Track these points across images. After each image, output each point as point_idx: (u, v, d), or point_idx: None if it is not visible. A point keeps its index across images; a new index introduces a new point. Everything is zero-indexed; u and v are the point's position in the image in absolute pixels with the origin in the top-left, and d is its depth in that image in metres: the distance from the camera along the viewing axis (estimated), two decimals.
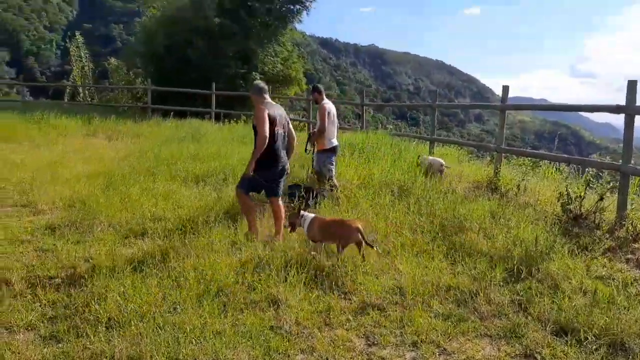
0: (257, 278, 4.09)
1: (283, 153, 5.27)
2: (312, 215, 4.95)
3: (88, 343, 3.10)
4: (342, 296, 3.99)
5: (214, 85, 15.99)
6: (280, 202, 5.42)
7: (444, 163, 7.76)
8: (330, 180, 6.55)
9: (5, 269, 4.22)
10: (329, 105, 6.82)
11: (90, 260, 4.54)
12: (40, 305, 3.63)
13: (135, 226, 5.58)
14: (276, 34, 19.49)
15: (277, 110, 5.23)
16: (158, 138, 11.95)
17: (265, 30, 19.14)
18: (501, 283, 4.13)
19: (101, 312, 3.45)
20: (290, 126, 5.43)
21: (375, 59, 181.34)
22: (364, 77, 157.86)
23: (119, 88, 21.12)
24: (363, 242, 4.54)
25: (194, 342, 3.14)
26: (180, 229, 5.37)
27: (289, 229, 4.96)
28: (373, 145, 8.52)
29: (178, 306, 3.62)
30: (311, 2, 19.51)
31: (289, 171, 5.49)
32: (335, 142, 6.78)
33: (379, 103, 48.42)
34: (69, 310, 3.54)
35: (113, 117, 14.89)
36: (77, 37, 24.01)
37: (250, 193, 5.38)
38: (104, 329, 3.29)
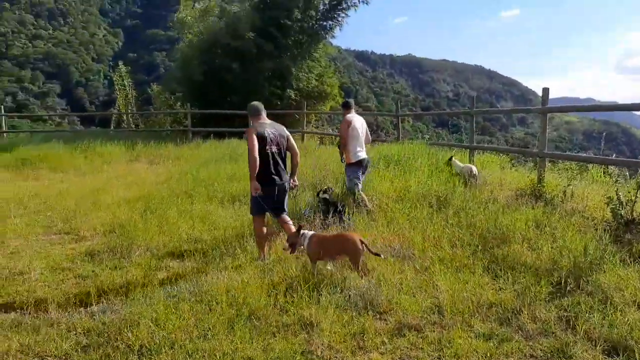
0: (290, 300, 4.00)
1: (280, 170, 5.22)
2: (311, 232, 4.82)
3: None
4: (378, 317, 3.83)
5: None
6: (287, 218, 5.37)
7: (474, 169, 7.50)
8: (357, 194, 6.41)
9: (44, 298, 4.32)
10: (352, 118, 6.72)
11: (126, 286, 4.59)
12: (75, 334, 3.65)
13: (172, 249, 5.64)
14: (310, 51, 19.62)
15: (270, 129, 5.19)
16: (197, 160, 12.17)
17: (299, 48, 19.29)
18: (547, 298, 3.87)
19: (133, 339, 3.44)
20: (292, 142, 5.37)
21: (413, 68, 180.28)
22: (401, 87, 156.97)
23: (160, 113, 21.80)
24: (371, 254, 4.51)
25: None
26: (215, 250, 5.37)
27: (288, 251, 4.73)
28: (409, 156, 8.33)
29: (209, 332, 3.56)
30: (344, 17, 19.62)
31: (290, 187, 5.40)
32: (361, 155, 6.64)
33: (415, 112, 48.07)
34: (102, 338, 3.54)
35: (153, 142, 15.27)
36: (120, 66, 24.98)
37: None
38: (135, 357, 3.27)
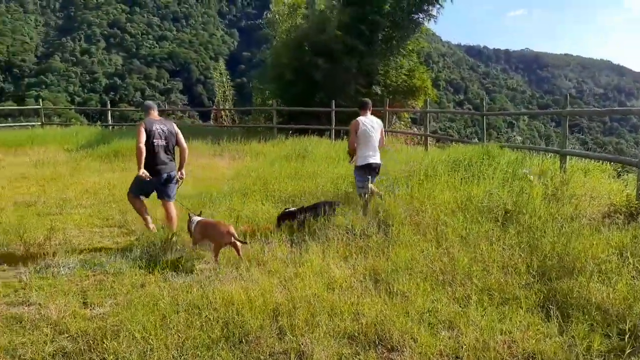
0: (290, 323, 3.54)
1: (167, 160, 5.94)
2: (198, 218, 5.52)
3: None
4: (385, 353, 3.23)
5: (333, 102, 15.93)
6: (171, 205, 6.06)
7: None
8: (361, 198, 6.30)
9: (67, 291, 4.30)
10: (364, 121, 6.59)
11: (144, 287, 4.43)
12: (66, 336, 3.51)
13: (204, 251, 5.43)
14: (400, 46, 18.76)
15: (158, 125, 5.90)
16: (273, 157, 12.06)
17: (389, 43, 18.54)
18: (604, 354, 2.98)
19: (108, 353, 3.20)
20: (180, 138, 6.04)
21: (530, 64, 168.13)
22: (516, 83, 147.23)
23: (252, 110, 22.33)
24: (237, 243, 5.06)
25: None
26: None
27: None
28: (480, 161, 7.37)
29: (191, 351, 3.23)
30: (439, 8, 18.46)
31: (177, 178, 6.10)
32: (370, 159, 6.48)
33: (503, 112, 45.26)
34: (85, 346, 3.35)
35: (240, 137, 15.54)
36: (219, 63, 26.02)
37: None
38: None
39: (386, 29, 18.42)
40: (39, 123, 21.21)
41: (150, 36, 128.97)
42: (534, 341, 3.16)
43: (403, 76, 18.41)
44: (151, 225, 6.07)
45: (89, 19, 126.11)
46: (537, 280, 4.04)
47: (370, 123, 6.64)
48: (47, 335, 3.52)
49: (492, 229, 5.17)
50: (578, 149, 18.64)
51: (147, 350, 3.23)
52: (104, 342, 3.33)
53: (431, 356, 3.10)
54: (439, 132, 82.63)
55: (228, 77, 25.29)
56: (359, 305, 3.76)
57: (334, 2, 18.89)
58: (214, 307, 3.82)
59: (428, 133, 13.58)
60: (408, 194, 6.33)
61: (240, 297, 3.91)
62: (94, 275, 4.84)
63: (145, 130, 5.73)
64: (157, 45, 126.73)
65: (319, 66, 17.38)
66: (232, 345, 3.31)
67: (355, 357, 3.17)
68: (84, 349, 3.31)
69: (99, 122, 23.59)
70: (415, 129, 19.50)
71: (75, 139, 15.87)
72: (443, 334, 3.35)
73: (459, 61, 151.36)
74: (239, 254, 5.09)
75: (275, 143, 15.18)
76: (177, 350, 3.25)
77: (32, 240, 5.71)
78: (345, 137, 15.33)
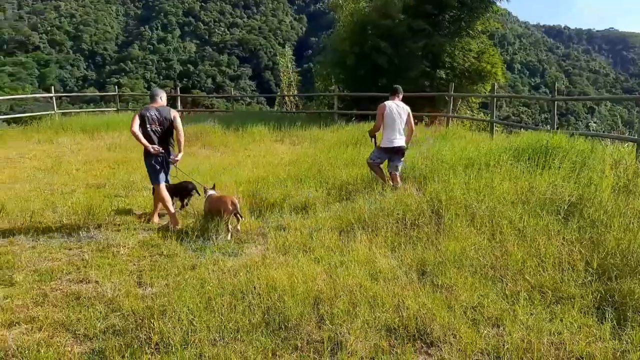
0: (330, 311, 3.53)
1: (161, 145, 6.12)
2: (211, 192, 6.18)
3: None
4: (424, 348, 3.14)
5: None
6: (162, 187, 6.21)
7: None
8: (371, 165, 6.97)
9: (126, 269, 4.55)
10: (389, 105, 6.89)
11: (194, 269, 4.59)
12: (118, 314, 3.70)
13: (254, 235, 5.54)
14: (469, 27, 17.95)
15: (153, 111, 6.12)
16: (331, 143, 12.04)
17: (457, 24, 17.79)
18: None
19: (154, 332, 3.34)
20: (177, 123, 6.18)
21: (615, 45, 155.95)
22: (599, 65, 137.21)
23: (314, 96, 22.38)
24: (238, 215, 5.65)
25: None
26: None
27: None
28: (544, 150, 6.92)
29: (233, 334, 3.30)
30: None
31: (173, 160, 6.31)
32: (394, 142, 6.81)
33: (574, 97, 42.28)
34: (134, 324, 3.52)
35: (301, 123, 15.64)
36: (286, 49, 26.26)
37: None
38: (149, 351, 3.16)
39: (454, 9, 17.69)
40: (115, 109, 22.46)
41: (222, 23, 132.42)
42: (584, 344, 2.94)
43: (471, 59, 17.62)
44: (156, 219, 6.35)
45: (166, 8, 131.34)
46: (596, 279, 3.76)
47: (397, 108, 6.91)
48: (100, 312, 3.73)
49: (553, 223, 4.86)
50: None
51: (190, 332, 3.34)
52: (151, 322, 3.48)
53: (471, 354, 2.98)
54: (512, 117, 78.93)
55: (293, 63, 25.48)
56: (401, 297, 3.68)
57: None
58: (257, 292, 3.88)
59: (494, 119, 12.96)
60: (465, 183, 6.09)
61: (284, 283, 3.94)
62: (150, 256, 5.07)
63: (140, 117, 6.07)
64: (228, 32, 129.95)
65: (382, 50, 17.03)
66: (271, 331, 3.35)
67: (393, 349, 3.11)
68: (132, 327, 3.47)
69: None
70: (484, 115, 18.73)
71: None
72: (486, 331, 3.21)
73: (536, 42, 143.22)
74: (237, 224, 5.75)
75: (335, 129, 15.13)
76: (219, 333, 3.33)
77: (98, 221, 6.08)
78: None
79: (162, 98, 6.40)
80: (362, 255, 4.57)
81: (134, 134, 5.97)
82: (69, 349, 3.21)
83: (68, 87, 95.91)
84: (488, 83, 17.78)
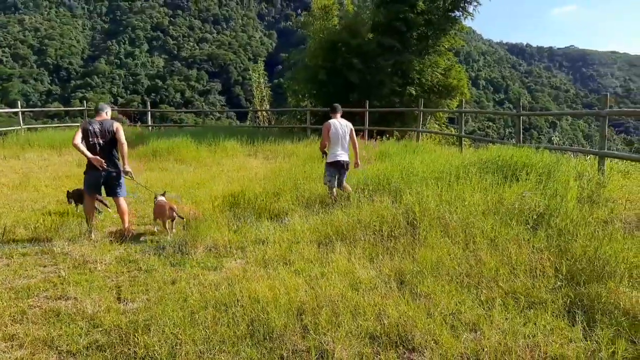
0: (313, 321, 3.60)
1: (109, 158, 6.34)
2: (161, 198, 6.62)
3: None
4: (406, 354, 3.25)
5: (367, 103, 15.91)
6: (120, 200, 6.48)
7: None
8: (329, 189, 7.33)
9: (104, 286, 4.50)
10: (332, 122, 7.41)
11: (174, 284, 4.58)
12: (100, 330, 3.68)
13: (233, 249, 5.56)
14: (436, 44, 18.55)
15: (95, 125, 6.32)
16: (304, 157, 12.16)
17: (424, 42, 18.37)
18: (629, 359, 2.90)
19: (139, 346, 3.34)
20: (119, 135, 6.33)
21: (575, 62, 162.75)
22: (560, 82, 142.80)
23: (286, 111, 22.57)
24: (176, 217, 6.34)
25: None
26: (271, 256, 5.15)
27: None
28: (512, 162, 7.22)
29: (217, 346, 3.33)
30: (476, 6, 18.11)
31: (123, 173, 6.49)
32: (338, 157, 7.31)
33: (538, 112, 44.25)
34: (118, 340, 3.51)
35: (273, 138, 15.73)
36: (258, 64, 26.40)
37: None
38: None
39: (421, 27, 18.25)
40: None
41: (191, 38, 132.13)
42: (557, 345, 3.11)
43: (439, 75, 18.17)
44: (93, 235, 6.26)
45: (134, 23, 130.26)
46: (565, 285, 3.96)
47: (340, 125, 7.44)
48: (82, 328, 3.70)
49: (522, 232, 5.08)
50: (621, 150, 17.97)
51: (175, 345, 3.36)
52: (135, 336, 3.48)
53: (452, 358, 3.10)
54: (478, 132, 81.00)
55: (265, 78, 25.61)
56: (382, 305, 3.79)
57: (367, 2, 18.85)
58: (240, 305, 3.92)
59: (463, 134, 13.37)
60: (437, 195, 6.28)
61: (266, 295, 4.00)
62: (128, 271, 5.03)
63: (83, 130, 6.30)
64: (197, 47, 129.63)
65: (354, 67, 17.39)
66: (256, 342, 3.40)
67: (377, 356, 3.20)
68: (116, 342, 3.46)
69: (139, 123, 24.29)
70: (453, 129, 19.24)
71: None
72: (465, 336, 3.34)
73: (500, 59, 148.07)
74: (171, 226, 6.40)
75: (308, 143, 15.31)
76: (205, 344, 3.36)
77: (71, 238, 6.00)
78: (378, 137, 15.30)
79: (107, 113, 6.63)
80: (342, 266, 4.67)
81: (75, 146, 6.18)
82: None
83: (31, 102, 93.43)
84: (455, 99, 18.35)
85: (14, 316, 3.95)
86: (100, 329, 3.68)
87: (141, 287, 4.51)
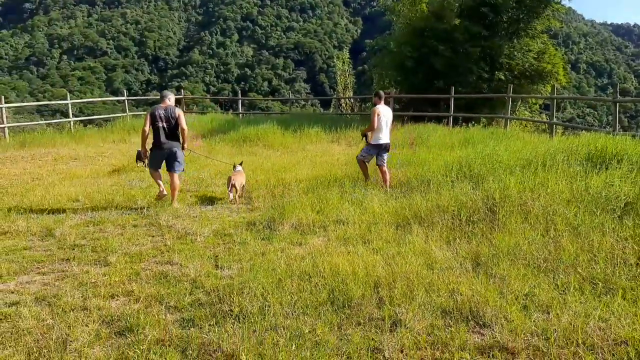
0: (389, 294, 3.88)
1: (167, 139, 7.26)
2: (239, 167, 8.02)
3: (211, 332, 3.47)
4: (477, 328, 3.43)
5: (452, 89, 15.64)
6: (175, 176, 7.39)
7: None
8: (360, 162, 8.26)
9: (203, 255, 5.09)
10: (381, 109, 8.08)
11: (264, 255, 5.05)
12: (201, 291, 4.21)
13: (316, 227, 5.95)
14: (528, 27, 17.67)
15: (161, 110, 7.26)
16: None
17: (515, 25, 17.59)
18: None
19: (234, 305, 3.82)
20: (181, 121, 7.29)
21: None
22: None
23: (369, 98, 22.70)
24: (237, 188, 7.48)
25: (292, 347, 3.18)
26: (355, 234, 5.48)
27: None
28: (602, 150, 6.93)
29: (301, 310, 3.72)
30: None
31: (176, 152, 7.36)
32: (382, 141, 8.07)
33: (635, 99, 39.93)
34: (216, 299, 4.01)
35: (355, 125, 16.02)
36: (343, 52, 26.71)
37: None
38: (231, 321, 3.62)
39: (511, 10, 17.49)
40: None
41: (278, 28, 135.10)
42: (630, 329, 3.14)
43: (531, 59, 17.36)
44: (162, 187, 7.40)
45: (225, 14, 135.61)
46: None
47: (385, 111, 8.15)
48: (186, 289, 4.25)
49: (608, 221, 4.97)
50: None
51: (265, 306, 3.79)
52: (231, 297, 3.96)
53: (521, 334, 3.23)
54: (577, 119, 75.63)
55: (350, 65, 25.87)
56: (456, 284, 3.97)
57: None
58: (322, 276, 4.29)
59: (554, 121, 12.80)
60: (520, 182, 6.24)
61: (346, 268, 4.33)
62: (224, 243, 5.60)
63: (151, 115, 7.24)
64: (284, 36, 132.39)
65: (440, 54, 17.13)
66: (336, 309, 3.74)
67: (447, 328, 3.42)
68: (215, 301, 3.97)
69: (230, 110, 25.61)
70: (545, 117, 18.37)
71: (210, 126, 17.57)
72: (536, 315, 3.45)
73: (603, 41, 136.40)
74: (236, 195, 7.50)
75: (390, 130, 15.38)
76: (290, 308, 3.76)
77: (174, 213, 6.72)
78: (463, 124, 15.04)
79: (170, 99, 7.47)
80: (419, 247, 4.88)
81: (143, 132, 7.31)
82: (163, 317, 3.73)
83: (132, 91, 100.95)
84: (549, 84, 17.45)
85: (130, 276, 4.61)
86: (202, 290, 4.21)
87: (235, 257, 5.04)
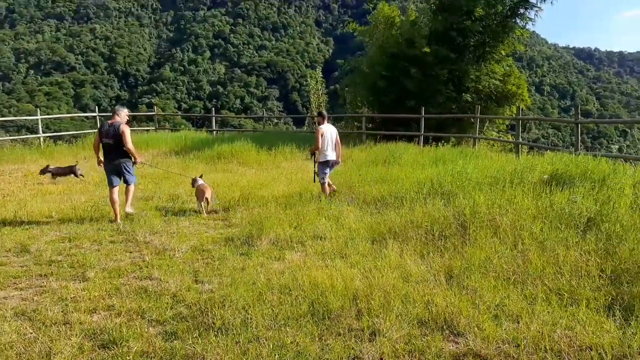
0: (367, 306, 4.02)
1: (114, 154, 7.61)
2: (200, 182, 8.19)
3: (194, 344, 3.53)
4: (451, 337, 3.60)
5: (422, 109, 16.11)
6: (128, 188, 7.84)
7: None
8: (322, 184, 8.63)
9: (182, 270, 5.12)
10: (324, 128, 8.65)
11: (243, 270, 5.13)
12: (183, 305, 4.26)
13: (294, 243, 6.06)
14: (494, 51, 18.43)
15: (105, 127, 7.62)
16: (360, 162, 12.58)
17: (481, 49, 18.32)
18: None
19: (216, 318, 3.89)
20: (125, 138, 7.51)
21: None
22: (631, 88, 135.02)
23: (343, 117, 23.12)
24: (209, 200, 7.91)
25: (275, 356, 3.28)
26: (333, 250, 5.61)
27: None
28: (565, 169, 7.31)
29: (282, 322, 3.81)
30: (537, 10, 17.83)
31: (124, 166, 7.69)
32: (329, 157, 8.64)
33: (597, 120, 41.94)
34: (197, 313, 4.07)
35: None
36: (316, 71, 27.12)
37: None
38: (212, 333, 3.68)
39: (478, 34, 18.21)
40: (153, 128, 23.57)
41: (251, 46, 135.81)
42: (593, 336, 3.36)
43: (496, 82, 18.07)
44: (115, 212, 7.56)
45: (197, 31, 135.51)
46: (608, 284, 4.16)
47: (329, 130, 8.73)
48: (167, 303, 4.30)
49: (572, 236, 5.26)
50: None
51: (247, 319, 3.87)
52: (212, 310, 4.03)
53: (493, 342, 3.42)
54: (542, 139, 78.14)
55: (323, 84, 26.26)
56: (430, 295, 4.14)
57: (426, 9, 19.06)
58: (302, 289, 4.40)
59: (520, 141, 13.33)
60: (489, 199, 6.52)
61: (325, 282, 4.46)
62: (202, 259, 5.65)
63: (98, 131, 7.78)
64: (257, 54, 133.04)
65: (411, 75, 17.64)
66: (316, 320, 3.86)
67: (424, 337, 3.57)
68: (197, 314, 4.03)
69: (204, 128, 25.57)
70: (511, 137, 19.05)
71: (183, 143, 17.53)
72: (507, 325, 3.64)
73: (566, 64, 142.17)
74: (207, 209, 7.91)
75: (364, 148, 15.71)
76: (272, 320, 3.86)
77: (151, 229, 6.72)
78: (433, 143, 15.48)
79: (119, 115, 7.80)
80: (394, 261, 5.06)
81: (94, 146, 7.95)
82: (146, 330, 3.77)
83: (102, 107, 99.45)
84: (514, 105, 18.15)
85: (109, 291, 4.63)
86: (183, 304, 4.27)
87: (215, 272, 5.10)
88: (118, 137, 7.53)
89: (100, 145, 7.67)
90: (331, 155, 8.66)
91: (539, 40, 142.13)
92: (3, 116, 64.04)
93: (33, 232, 6.78)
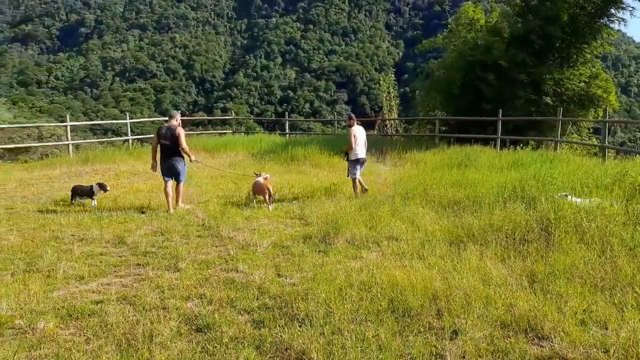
0: (447, 306, 4.05)
1: (169, 154, 8.39)
2: (259, 178, 8.84)
3: (281, 333, 3.73)
4: (535, 340, 3.55)
5: (500, 112, 15.60)
6: (179, 185, 8.61)
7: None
8: (354, 180, 9.43)
9: (263, 264, 5.39)
10: (355, 129, 9.46)
11: (323, 267, 5.30)
12: (267, 296, 4.50)
13: (369, 243, 6.16)
14: (578, 54, 17.48)
15: (163, 130, 8.42)
16: (433, 164, 12.45)
17: (565, 51, 17.43)
18: None
19: (299, 310, 4.08)
20: (180, 140, 8.32)
21: None
22: None
23: (415, 119, 22.87)
24: (268, 196, 8.48)
25: (357, 351, 3.41)
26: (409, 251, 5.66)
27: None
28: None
29: (364, 317, 3.94)
30: (632, 10, 16.67)
31: (176, 165, 8.46)
32: (360, 156, 9.46)
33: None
34: (282, 303, 4.28)
35: (400, 146, 16.19)
36: (388, 75, 27.09)
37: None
38: (296, 324, 3.87)
39: (562, 39, 17.33)
40: (230, 131, 24.58)
41: (320, 51, 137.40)
42: None
43: (581, 84, 17.13)
44: (171, 210, 8.29)
45: (269, 38, 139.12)
46: None
47: (360, 130, 9.60)
48: (253, 294, 4.55)
49: None
50: None
51: (329, 312, 4.03)
52: (296, 302, 4.23)
53: (580, 346, 3.34)
54: (629, 143, 72.82)
55: (395, 87, 26.18)
56: (513, 298, 4.10)
57: (509, 12, 18.48)
58: (381, 287, 4.50)
59: (606, 144, 12.61)
60: (573, 204, 6.28)
61: (404, 281, 4.53)
62: (283, 254, 5.89)
63: (156, 133, 8.52)
64: (326, 59, 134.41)
65: (489, 81, 17.17)
66: (396, 317, 3.94)
67: (506, 339, 3.55)
68: (281, 305, 4.24)
69: (276, 131, 26.29)
70: (595, 140, 18.03)
71: (259, 145, 18.14)
72: (594, 330, 3.54)
73: None
74: (268, 203, 8.47)
75: (437, 151, 15.47)
76: (353, 314, 3.99)
77: (234, 226, 7.09)
78: (511, 146, 14.97)
79: (176, 119, 8.63)
80: (474, 263, 5.02)
81: (152, 148, 8.78)
82: (236, 317, 4.03)
83: (180, 111, 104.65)
84: (600, 108, 17.15)
85: (200, 281, 4.96)
86: (268, 295, 4.50)
87: (295, 267, 5.31)
88: (174, 138, 8.32)
89: (158, 146, 8.52)
90: (362, 154, 9.47)
91: (625, 39, 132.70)
92: (91, 120, 69.14)
93: (128, 225, 7.37)
